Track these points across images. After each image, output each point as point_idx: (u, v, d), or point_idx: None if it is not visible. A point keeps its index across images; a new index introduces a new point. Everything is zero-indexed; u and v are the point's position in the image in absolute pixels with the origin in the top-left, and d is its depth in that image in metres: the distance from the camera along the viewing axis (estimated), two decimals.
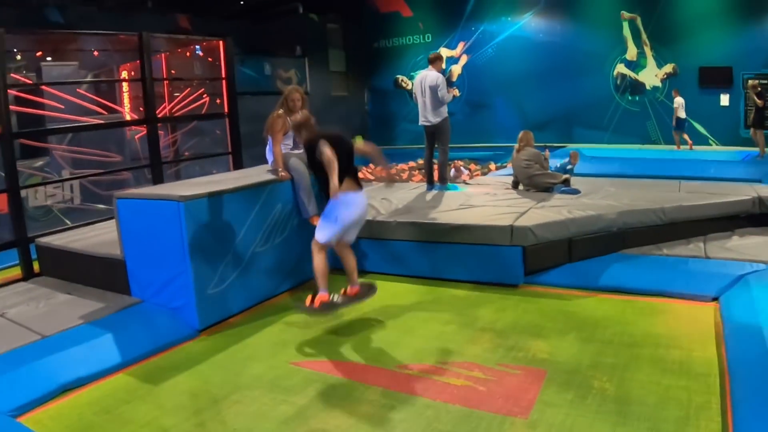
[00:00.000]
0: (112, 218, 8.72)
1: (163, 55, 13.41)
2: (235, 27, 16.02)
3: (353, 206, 6.05)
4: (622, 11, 19.44)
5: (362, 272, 8.11)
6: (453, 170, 11.08)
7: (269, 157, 8.12)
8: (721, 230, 8.59)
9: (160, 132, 11.35)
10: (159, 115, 11.67)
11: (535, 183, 10.01)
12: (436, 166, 11.04)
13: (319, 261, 6.04)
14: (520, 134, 10.49)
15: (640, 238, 8.26)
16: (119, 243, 7.03)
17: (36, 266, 8.41)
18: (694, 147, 17.90)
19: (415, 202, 9.56)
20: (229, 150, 11.80)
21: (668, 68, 19.13)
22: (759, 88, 15.10)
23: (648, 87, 19.52)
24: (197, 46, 14.81)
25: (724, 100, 18.29)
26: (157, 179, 10.21)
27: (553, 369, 5.35)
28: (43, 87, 12.27)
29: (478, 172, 16.45)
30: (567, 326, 6.31)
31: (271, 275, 7.54)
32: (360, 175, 8.21)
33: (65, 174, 12.39)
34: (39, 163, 12.26)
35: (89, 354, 5.73)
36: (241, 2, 19.34)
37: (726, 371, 5.03)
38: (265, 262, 7.39)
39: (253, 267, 7.23)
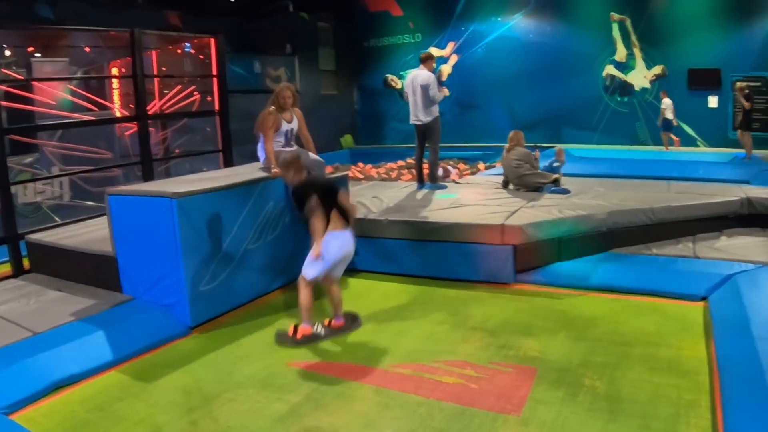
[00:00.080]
0: (102, 215, 8.70)
1: (153, 52, 13.38)
2: (226, 24, 16.01)
3: (339, 245, 6.00)
4: (612, 12, 19.48)
5: (353, 271, 8.18)
6: (441, 170, 11.11)
7: (261, 154, 8.12)
8: (710, 230, 8.67)
9: (150, 129, 11.34)
10: (149, 112, 11.66)
11: (525, 182, 10.06)
12: (426, 165, 11.06)
13: (305, 296, 6.01)
14: (511, 134, 10.54)
15: (630, 237, 8.33)
16: (111, 240, 7.02)
17: (26, 263, 8.37)
18: (680, 146, 17.99)
19: (405, 200, 9.59)
20: (220, 148, 11.80)
21: (657, 70, 19.19)
22: (746, 91, 15.17)
23: (637, 88, 19.57)
24: (187, 44, 14.80)
25: (713, 101, 18.36)
26: (148, 176, 10.20)
27: (544, 367, 5.39)
28: (34, 83, 12.23)
29: (468, 172, 16.49)
30: (557, 325, 6.36)
31: (263, 272, 7.54)
32: (350, 174, 8.27)
33: (55, 170, 12.36)
34: (29, 159, 12.22)
35: (81, 351, 5.71)
36: (232, 0, 19.32)
37: (715, 369, 5.09)
38: (257, 260, 7.39)
39: (245, 264, 7.23)
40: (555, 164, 10.89)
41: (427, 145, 10.80)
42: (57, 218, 9.90)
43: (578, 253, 7.97)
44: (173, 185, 6.89)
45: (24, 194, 11.88)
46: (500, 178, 10.97)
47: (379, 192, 10.29)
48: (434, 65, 10.82)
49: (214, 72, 11.53)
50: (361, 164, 19.32)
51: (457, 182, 12.09)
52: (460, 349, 5.85)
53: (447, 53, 21.88)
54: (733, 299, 6.26)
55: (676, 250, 7.99)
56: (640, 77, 19.48)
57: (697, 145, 18.65)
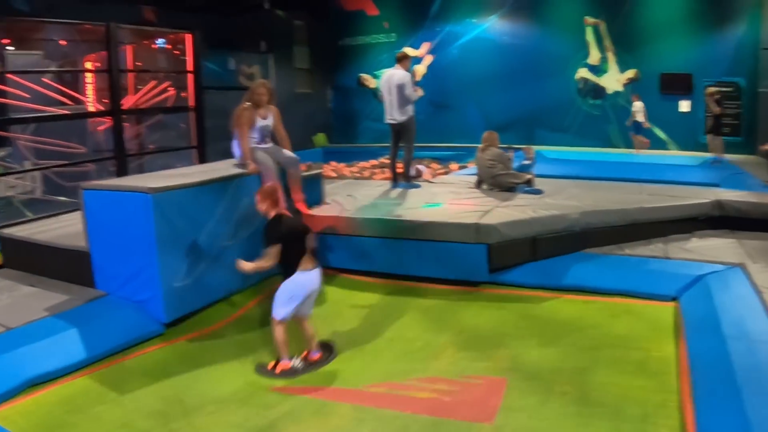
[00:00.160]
0: (76, 210, 8.66)
1: (128, 46, 13.30)
2: (200, 20, 15.93)
3: (307, 284, 6.04)
4: (586, 16, 19.59)
5: (327, 268, 8.19)
6: (414, 170, 11.14)
7: (236, 151, 8.10)
8: (681, 232, 8.77)
9: (124, 124, 11.29)
10: (124, 108, 11.60)
11: (498, 182, 10.12)
12: (400, 165, 11.09)
13: (279, 333, 6.02)
14: (485, 134, 10.59)
15: (603, 238, 8.41)
16: (85, 235, 6.98)
17: None
18: (649, 149, 18.18)
19: (380, 199, 9.64)
20: (194, 144, 11.76)
21: (630, 73, 19.32)
22: (717, 96, 15.33)
23: (609, 91, 19.68)
24: (160, 39, 14.73)
25: (685, 106, 18.55)
26: (122, 172, 10.16)
27: (514, 376, 5.47)
28: (8, 75, 12.13)
29: (441, 172, 16.54)
30: (529, 332, 6.43)
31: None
32: (324, 172, 8.33)
33: (27, 165, 12.25)
34: (1, 153, 12.11)
35: (56, 348, 5.70)
36: None
37: (683, 370, 5.17)
38: (232, 256, 7.26)
39: (220, 261, 7.20)
40: (524, 162, 10.98)
41: (401, 144, 10.83)
42: (29, 213, 9.81)
43: (552, 253, 8.03)
44: (149, 180, 6.86)
45: None
46: (474, 178, 11.02)
47: (354, 190, 10.32)
48: (410, 65, 10.84)
49: (190, 68, 11.50)
50: (334, 163, 19.33)
51: (431, 182, 12.13)
52: (432, 366, 5.89)
53: (421, 53, 21.89)
54: (703, 300, 6.36)
55: (648, 251, 8.08)
56: (613, 81, 19.61)
57: (669, 149, 18.82)
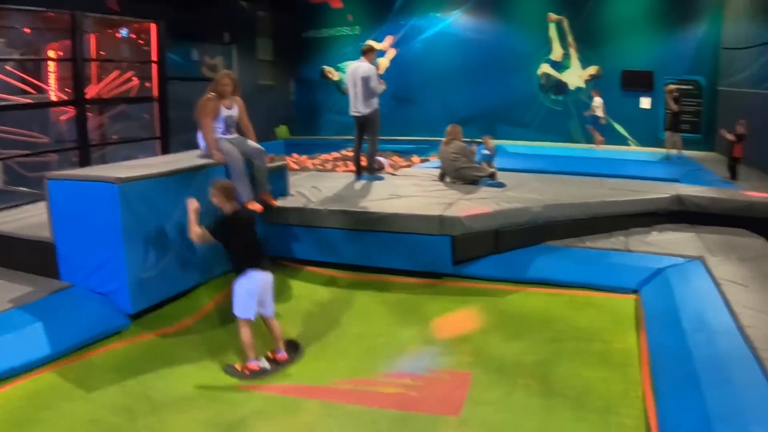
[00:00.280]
0: (39, 201, 8.56)
1: (92, 35, 13.14)
2: (164, 10, 15.79)
3: (258, 281, 6.06)
4: (549, 13, 19.72)
5: (293, 260, 8.26)
6: (376, 162, 11.18)
7: (201, 142, 8.07)
8: (642, 225, 8.93)
9: (88, 114, 11.17)
10: (87, 97, 11.48)
11: (462, 175, 10.19)
12: (364, 157, 11.12)
13: (244, 334, 6.03)
14: (449, 128, 10.66)
15: (565, 230, 8.53)
16: (49, 225, 6.86)
17: None
18: (604, 145, 18.41)
19: (344, 191, 9.64)
20: (158, 135, 11.68)
21: (592, 70, 19.51)
22: (675, 94, 15.51)
23: (571, 87, 19.86)
24: (123, 28, 14.58)
25: (645, 103, 18.78)
26: (84, 162, 10.05)
27: (479, 370, 5.54)
28: None
29: (403, 164, 16.60)
30: (493, 325, 6.51)
31: (203, 260, 7.49)
32: (288, 164, 8.39)
33: None
34: None
35: (21, 341, 5.62)
36: None
37: (644, 361, 5.27)
38: (197, 248, 7.32)
39: (185, 252, 7.18)
40: (484, 152, 11.08)
41: (365, 136, 10.85)
42: None
43: (514, 245, 8.12)
44: (115, 170, 6.77)
45: None
46: (437, 171, 11.09)
47: (318, 182, 10.32)
48: (375, 57, 10.87)
49: (154, 58, 11.42)
50: (295, 155, 19.25)
51: (394, 174, 12.17)
52: (398, 362, 5.93)
53: (385, 47, 21.88)
54: (664, 292, 6.49)
55: (609, 244, 8.21)
56: (575, 77, 19.78)
57: (629, 145, 19.04)
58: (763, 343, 4.76)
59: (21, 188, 11.09)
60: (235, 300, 6.05)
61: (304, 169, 15.97)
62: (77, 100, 10.05)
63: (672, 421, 4.17)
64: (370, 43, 10.98)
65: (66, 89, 12.45)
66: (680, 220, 9.11)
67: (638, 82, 18.71)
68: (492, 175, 10.21)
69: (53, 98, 12.87)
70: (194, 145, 8.27)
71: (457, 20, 21.17)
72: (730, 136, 11.83)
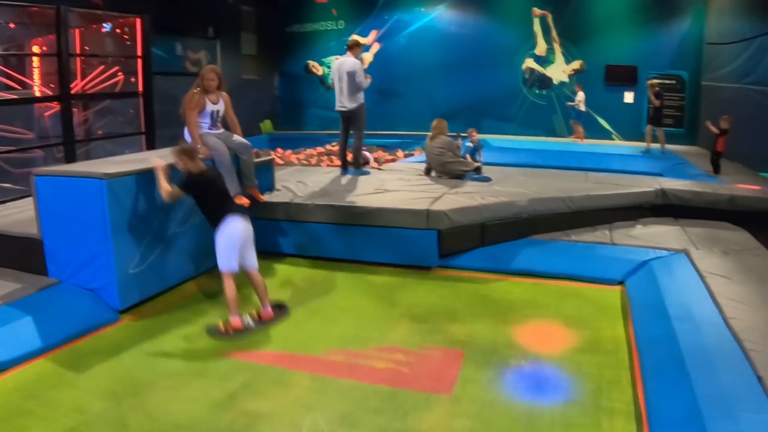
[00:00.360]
0: (24, 197, 8.52)
1: (77, 30, 13.08)
2: (147, 4, 15.72)
3: (237, 228, 6.19)
4: (534, 8, 19.79)
5: (279, 254, 8.28)
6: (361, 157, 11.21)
7: (188, 137, 8.07)
8: (626, 219, 8.99)
9: (73, 109, 11.13)
10: (72, 92, 11.45)
11: (447, 170, 10.23)
12: (350, 151, 11.15)
13: (228, 288, 6.10)
14: (434, 122, 10.68)
15: (550, 224, 8.58)
16: (37, 222, 6.80)
17: None
18: (595, 140, 18.53)
19: (331, 185, 9.65)
20: (143, 130, 11.65)
21: (576, 65, 19.61)
22: (657, 88, 15.61)
23: (555, 82, 19.95)
24: (106, 23, 14.50)
25: (628, 97, 18.90)
26: (70, 158, 10.01)
27: (470, 349, 5.57)
28: None
29: (387, 159, 16.62)
30: (481, 309, 6.56)
31: (191, 255, 7.52)
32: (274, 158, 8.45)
33: None
34: None
35: (9, 336, 5.57)
36: None
37: (633, 348, 5.33)
38: (185, 242, 7.36)
39: (173, 247, 7.19)
40: (468, 144, 11.13)
41: (351, 131, 10.88)
42: None
43: (500, 239, 8.17)
44: (102, 166, 6.73)
45: None
46: (422, 166, 11.12)
47: (304, 177, 10.33)
48: (361, 52, 10.89)
49: (139, 53, 11.39)
50: (280, 150, 19.24)
51: (380, 169, 12.19)
52: (389, 336, 5.98)
53: (369, 41, 21.88)
54: (649, 283, 6.56)
55: (594, 237, 8.27)
56: (559, 71, 19.87)
57: (613, 139, 19.15)
58: (747, 334, 4.83)
59: (6, 184, 11.04)
60: (218, 253, 6.16)
61: (288, 164, 15.96)
62: (63, 96, 10.00)
63: (661, 406, 4.23)
64: (356, 37, 11.01)
65: (50, 84, 12.41)
66: (664, 213, 9.19)
67: (622, 76, 18.83)
68: (477, 170, 10.26)
69: (37, 94, 12.82)
70: (178, 140, 8.26)
71: (441, 15, 21.22)
72: (714, 129, 11.93)
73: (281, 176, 10.14)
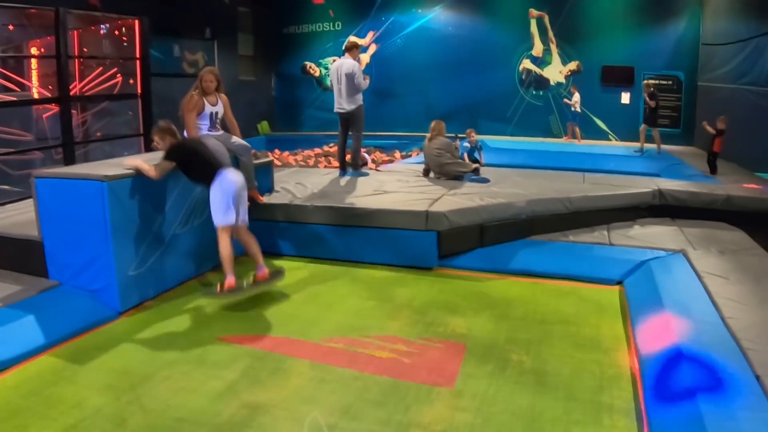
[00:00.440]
0: (23, 199, 8.53)
1: (75, 31, 13.10)
2: (145, 6, 15.72)
3: (229, 181, 6.41)
4: (531, 9, 19.90)
5: (279, 255, 8.33)
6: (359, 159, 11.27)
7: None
8: (624, 219, 9.04)
9: (72, 111, 11.14)
10: (70, 94, 11.47)
11: (446, 171, 10.28)
12: (348, 153, 11.20)
13: (224, 246, 6.23)
14: (432, 123, 10.73)
15: (548, 225, 8.62)
16: (37, 224, 6.80)
17: None
18: (592, 140, 18.63)
19: (330, 187, 9.69)
20: (141, 132, 11.67)
21: (572, 65, 19.71)
22: (651, 89, 15.70)
23: (552, 83, 20.06)
24: (102, 25, 14.51)
25: (625, 98, 19.00)
26: (69, 160, 10.02)
27: (471, 343, 5.61)
28: None
29: (385, 160, 16.67)
30: (481, 305, 6.60)
31: (191, 256, 7.54)
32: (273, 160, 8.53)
33: None
34: None
35: (10, 337, 5.55)
36: None
37: (633, 346, 5.38)
38: (185, 244, 7.38)
39: (173, 248, 7.21)
40: (466, 144, 11.18)
41: (350, 133, 10.92)
42: None
43: (499, 240, 8.21)
44: (103, 168, 6.72)
45: None
46: (420, 167, 11.17)
47: (303, 178, 10.37)
48: (359, 54, 10.93)
49: (138, 54, 11.42)
50: (277, 151, 19.28)
51: (378, 170, 12.23)
52: (389, 325, 6.03)
53: (366, 42, 21.94)
54: (647, 284, 6.60)
55: (592, 238, 8.32)
56: (556, 72, 19.98)
57: (609, 139, 19.24)
58: (744, 333, 4.88)
59: (4, 186, 11.05)
60: (213, 208, 6.37)
61: (286, 165, 15.99)
62: (62, 98, 10.03)
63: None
64: (353, 39, 11.06)
65: (48, 86, 12.43)
66: (661, 213, 9.24)
67: (618, 77, 18.95)
68: (476, 171, 10.30)
69: (35, 95, 12.84)
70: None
71: (438, 16, 21.32)
72: (711, 129, 11.99)
73: (280, 178, 10.17)
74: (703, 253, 7.31)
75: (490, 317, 6.24)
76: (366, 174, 11.03)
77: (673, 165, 13.38)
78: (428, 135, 10.66)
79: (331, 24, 22.76)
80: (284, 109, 23.97)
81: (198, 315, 6.44)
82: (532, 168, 12.38)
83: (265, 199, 8.67)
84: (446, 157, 10.30)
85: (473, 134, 11.83)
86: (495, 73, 20.43)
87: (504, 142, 18.13)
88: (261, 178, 8.80)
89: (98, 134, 13.46)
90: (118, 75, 13.20)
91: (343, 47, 10.87)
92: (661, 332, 5.23)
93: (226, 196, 6.34)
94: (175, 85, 10.49)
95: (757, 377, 4.20)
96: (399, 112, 21.36)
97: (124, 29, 13.18)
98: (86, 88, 13.15)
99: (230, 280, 6.24)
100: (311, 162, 17.26)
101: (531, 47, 20.18)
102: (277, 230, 8.50)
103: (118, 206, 6.40)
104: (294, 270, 7.92)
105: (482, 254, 8.02)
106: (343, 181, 10.34)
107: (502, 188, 9.32)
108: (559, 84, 19.90)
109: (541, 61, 20.14)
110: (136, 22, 11.29)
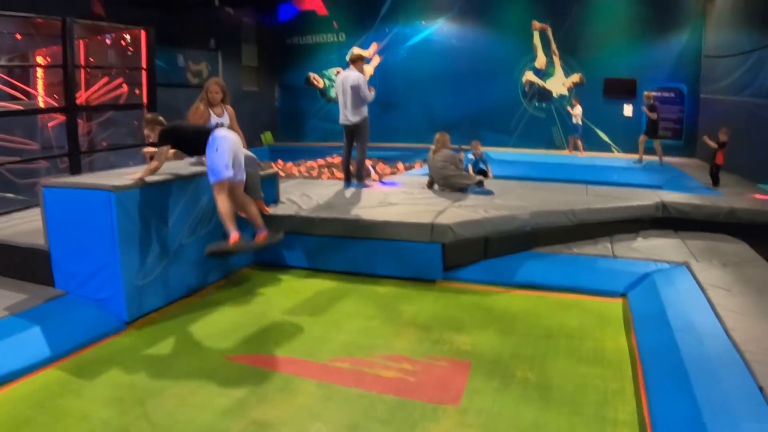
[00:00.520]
0: (29, 207, 8.56)
1: (81, 41, 13.16)
2: (149, 16, 15.78)
3: (224, 136, 6.62)
4: (534, 21, 19.99)
5: (284, 266, 8.40)
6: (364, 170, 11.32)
7: None
8: (627, 232, 9.10)
9: (78, 120, 11.19)
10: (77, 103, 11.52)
11: (450, 183, 10.32)
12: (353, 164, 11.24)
13: (222, 203, 6.45)
14: (437, 136, 10.79)
15: (552, 237, 8.66)
16: (44, 232, 6.86)
17: None
18: (594, 152, 18.69)
19: (335, 198, 9.74)
20: (147, 142, 11.68)
21: (575, 77, 19.78)
22: (651, 101, 15.73)
23: (555, 95, 20.12)
24: (107, 34, 14.57)
25: (627, 110, 19.06)
26: (75, 169, 10.06)
27: (476, 360, 5.63)
28: None
29: (388, 172, 16.71)
30: (486, 320, 6.62)
31: (198, 267, 7.57)
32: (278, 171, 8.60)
33: None
34: None
35: (17, 347, 5.59)
36: None
37: (637, 360, 5.42)
38: (192, 254, 7.42)
39: (180, 259, 7.25)
40: (470, 156, 11.22)
41: (355, 144, 10.96)
42: None
43: (503, 252, 8.26)
44: (110, 178, 6.79)
45: None
46: (423, 179, 11.22)
47: (308, 190, 10.42)
48: (364, 66, 10.98)
49: (144, 65, 11.48)
50: (281, 161, 19.35)
51: (383, 182, 12.28)
52: (395, 344, 6.04)
53: (370, 54, 22.01)
54: (651, 295, 6.65)
55: (596, 250, 8.36)
56: (559, 84, 20.04)
57: (612, 151, 19.28)
58: (748, 345, 4.91)
59: (9, 194, 11.09)
60: (210, 166, 6.56)
61: (289, 176, 16.04)
62: (68, 107, 10.09)
63: (664, 416, 4.32)
64: (357, 51, 11.07)
65: (54, 95, 12.48)
66: (664, 226, 9.29)
67: (621, 89, 19.02)
68: (480, 183, 10.34)
69: (41, 104, 12.89)
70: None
71: (441, 28, 21.41)
72: (712, 144, 12.02)
73: (285, 189, 10.22)
74: (706, 266, 7.35)
75: (495, 332, 6.26)
76: (370, 185, 11.07)
77: (676, 177, 13.42)
78: (432, 147, 10.71)
79: (335, 35, 22.85)
80: (287, 120, 24.05)
81: (205, 330, 6.45)
82: (535, 180, 12.43)
83: (271, 210, 8.72)
84: (450, 169, 10.35)
85: (479, 146, 11.88)
86: (498, 84, 20.51)
87: (507, 154, 18.17)
88: (267, 189, 8.85)
89: (104, 144, 13.50)
90: (124, 85, 13.25)
91: (348, 59, 10.94)
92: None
93: (221, 151, 6.50)
94: (179, 95, 10.55)
95: (761, 389, 4.24)
96: (402, 123, 21.43)
97: (129, 39, 13.24)
98: (92, 97, 13.19)
99: (234, 235, 6.41)
100: (314, 173, 17.33)
101: (534, 59, 20.26)
102: (283, 242, 8.53)
103: (126, 216, 6.45)
104: (299, 282, 8.02)
105: (486, 266, 8.06)
106: (348, 192, 10.39)
107: (506, 200, 9.36)
108: (561, 96, 19.97)
109: (544, 73, 20.22)
110: (143, 32, 11.33)
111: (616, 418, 4.55)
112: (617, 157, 18.27)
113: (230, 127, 8.12)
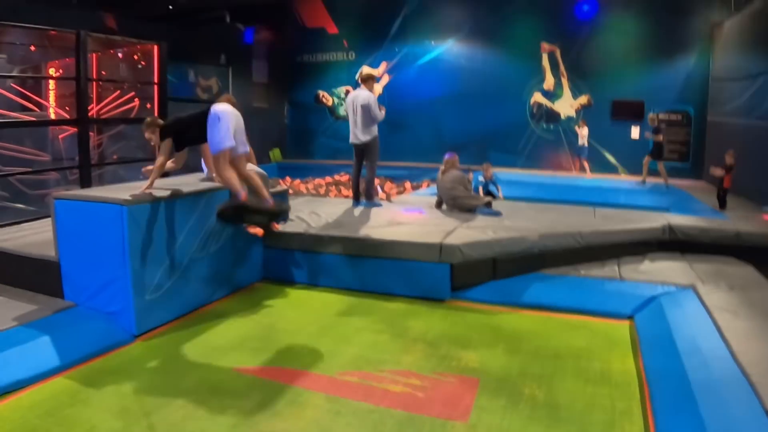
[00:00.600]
0: (39, 218, 8.61)
1: (93, 54, 13.27)
2: (161, 31, 15.89)
3: (217, 111, 6.70)
4: (543, 42, 20.08)
5: (293, 284, 8.49)
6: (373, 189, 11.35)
7: (204, 168, 8.27)
8: (634, 254, 9.14)
9: (90, 133, 11.26)
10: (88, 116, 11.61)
11: (458, 204, 10.37)
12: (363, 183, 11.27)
13: (226, 171, 6.63)
14: (446, 157, 10.85)
15: (559, 259, 8.71)
16: (54, 244, 6.94)
17: None
18: (601, 173, 18.75)
19: (344, 217, 9.80)
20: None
21: (583, 99, 19.85)
22: (656, 123, 15.76)
23: (563, 116, 20.19)
24: (119, 48, 14.68)
25: (635, 132, 19.11)
26: (85, 181, 10.13)
27: (484, 377, 5.67)
28: None
29: (395, 191, 16.75)
30: (494, 339, 6.66)
31: (207, 282, 7.64)
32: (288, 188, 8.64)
33: None
34: None
35: (26, 356, 5.63)
36: (170, 6, 19.16)
37: (644, 381, 5.46)
38: (201, 270, 7.50)
39: (190, 273, 7.32)
40: (481, 179, 11.26)
41: (364, 163, 11.00)
42: None
43: (511, 273, 8.30)
44: (122, 192, 6.82)
45: None
46: (432, 199, 11.28)
47: (317, 207, 10.47)
48: (374, 85, 11.03)
49: (156, 79, 11.57)
50: (288, 178, 19.40)
51: (391, 201, 12.33)
52: (403, 359, 6.08)
53: (380, 73, 22.09)
54: (658, 318, 6.69)
55: (603, 272, 8.40)
56: (567, 106, 20.12)
57: (619, 173, 19.32)
58: (754, 368, 4.95)
59: (20, 205, 11.15)
60: (211, 139, 6.65)
61: (297, 193, 16.09)
62: (80, 119, 10.17)
63: None
64: (368, 70, 11.09)
65: (65, 107, 12.57)
66: (671, 248, 9.33)
67: (628, 111, 19.08)
68: (488, 204, 10.38)
69: (52, 116, 12.97)
70: (196, 168, 8.44)
71: (451, 48, 21.50)
72: (719, 172, 12.02)
73: (294, 206, 10.25)
74: (712, 288, 7.38)
75: (503, 351, 6.30)
76: (380, 204, 11.12)
77: (682, 199, 13.45)
78: (441, 168, 10.77)
79: (345, 54, 22.96)
80: (296, 137, 24.14)
81: (213, 344, 6.49)
82: (542, 201, 12.48)
83: (281, 227, 8.75)
84: (459, 190, 10.39)
85: (489, 169, 11.93)
86: (506, 105, 20.59)
87: (515, 175, 18.20)
88: None
89: (114, 157, 13.58)
90: (136, 99, 13.35)
91: (358, 78, 10.98)
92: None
93: (223, 121, 6.58)
94: (189, 110, 10.56)
95: (767, 412, 4.27)
96: (410, 142, 21.49)
97: (140, 53, 13.35)
98: (103, 110, 13.29)
99: (243, 194, 6.50)
100: (322, 190, 17.38)
101: (542, 81, 20.35)
102: (292, 258, 8.60)
103: (137, 230, 6.52)
104: (308, 297, 8.09)
105: (494, 287, 8.10)
106: (357, 211, 10.44)
107: (514, 222, 9.41)
108: (569, 118, 20.04)
109: (552, 95, 20.30)
110: (156, 47, 11.43)
111: None
112: (624, 179, 18.30)
113: None
